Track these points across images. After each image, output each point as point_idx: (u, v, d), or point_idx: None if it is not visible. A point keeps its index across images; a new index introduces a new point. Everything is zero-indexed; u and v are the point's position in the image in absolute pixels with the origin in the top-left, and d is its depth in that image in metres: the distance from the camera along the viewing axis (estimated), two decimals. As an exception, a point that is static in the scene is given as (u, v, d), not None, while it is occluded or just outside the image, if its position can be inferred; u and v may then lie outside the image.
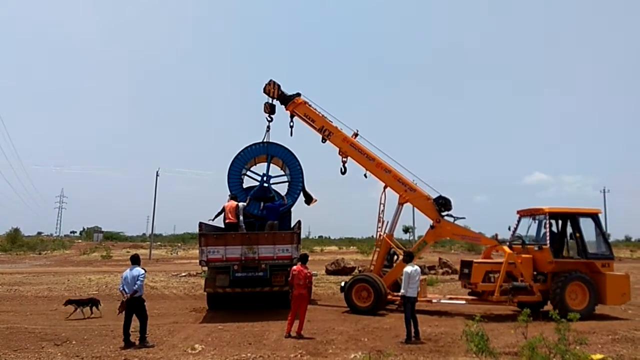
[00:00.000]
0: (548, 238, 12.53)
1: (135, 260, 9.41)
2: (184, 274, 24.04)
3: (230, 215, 13.53)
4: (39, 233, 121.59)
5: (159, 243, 74.45)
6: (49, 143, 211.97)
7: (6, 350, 8.53)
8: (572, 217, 12.93)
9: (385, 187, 14.38)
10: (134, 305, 9.11)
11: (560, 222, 13.34)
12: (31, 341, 9.36)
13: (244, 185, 15.42)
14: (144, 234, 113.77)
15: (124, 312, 9.13)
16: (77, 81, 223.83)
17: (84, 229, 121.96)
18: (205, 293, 13.47)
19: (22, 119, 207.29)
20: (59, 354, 8.38)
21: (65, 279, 21.88)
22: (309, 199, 15.55)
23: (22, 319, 12.07)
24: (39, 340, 9.48)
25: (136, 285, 9.06)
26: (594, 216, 12.99)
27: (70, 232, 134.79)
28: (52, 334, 10.08)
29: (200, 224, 13.08)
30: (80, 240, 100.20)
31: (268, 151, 15.23)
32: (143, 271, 9.31)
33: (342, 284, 13.62)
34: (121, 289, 9.25)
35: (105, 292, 17.38)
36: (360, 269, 23.87)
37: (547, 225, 12.69)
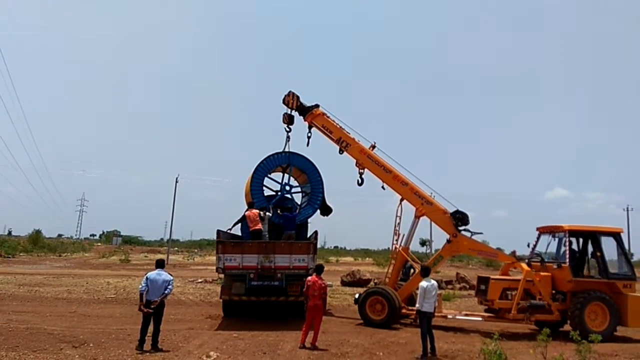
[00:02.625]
0: (568, 256, 12.33)
1: (161, 264, 9.63)
2: (200, 280, 24.21)
3: (255, 222, 13.64)
4: (60, 235, 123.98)
5: (176, 248, 75.01)
6: (72, 148, 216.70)
7: (26, 351, 8.71)
8: (593, 236, 12.69)
9: (401, 200, 14.32)
10: (157, 309, 9.20)
11: (580, 240, 13.11)
12: (50, 342, 9.53)
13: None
14: (161, 239, 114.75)
15: (142, 315, 9.16)
16: (99, 88, 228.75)
17: (103, 232, 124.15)
18: (221, 300, 13.56)
19: (46, 124, 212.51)
20: (77, 356, 8.52)
21: (84, 281, 22.21)
22: (327, 211, 15.58)
23: (41, 320, 12.29)
24: (57, 341, 9.64)
25: (167, 290, 9.22)
26: (616, 235, 12.73)
27: (90, 235, 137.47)
28: (71, 335, 10.23)
29: (218, 231, 13.24)
30: (99, 244, 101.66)
31: (290, 161, 15.33)
32: (171, 277, 9.45)
33: (356, 296, 13.57)
34: (143, 289, 9.11)
35: (122, 296, 17.60)
36: (375, 281, 23.74)
37: (567, 243, 12.49)
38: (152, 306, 9.08)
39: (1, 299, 16.21)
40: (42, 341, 9.62)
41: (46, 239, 71.32)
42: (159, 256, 52.82)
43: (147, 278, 9.25)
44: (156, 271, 9.38)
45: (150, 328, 9.20)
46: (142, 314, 9.14)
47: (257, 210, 13.92)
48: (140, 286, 9.28)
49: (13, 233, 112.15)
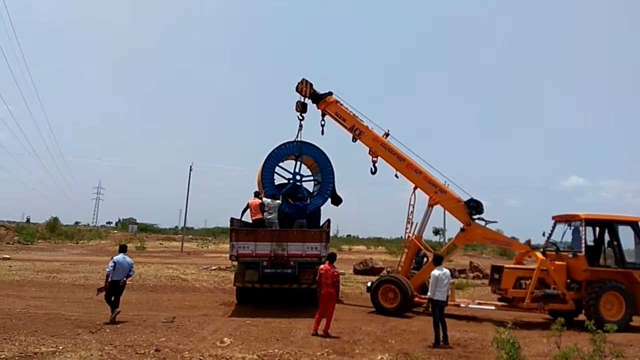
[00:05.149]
0: (583, 245, 12.18)
1: (125, 249, 11.07)
2: (214, 268, 24.45)
3: (255, 212, 13.68)
4: (77, 223, 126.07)
5: (190, 236, 75.59)
6: (89, 136, 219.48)
7: (44, 336, 8.89)
8: (609, 225, 12.51)
9: (415, 188, 14.24)
10: (121, 287, 10.68)
11: (597, 229, 12.94)
12: (68, 327, 9.72)
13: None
14: (176, 227, 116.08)
15: (103, 292, 10.58)
16: (115, 76, 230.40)
17: (119, 220, 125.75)
18: (235, 287, 13.69)
19: (63, 112, 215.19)
20: (94, 341, 8.67)
21: (100, 268, 22.49)
22: (337, 200, 15.56)
23: (59, 306, 12.54)
24: (75, 327, 9.84)
25: (131, 272, 10.86)
26: (634, 224, 12.51)
27: (107, 223, 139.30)
28: (88, 321, 10.43)
29: (232, 219, 13.33)
30: (115, 231, 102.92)
31: (301, 150, 15.30)
32: (132, 260, 11.01)
33: (369, 284, 13.58)
34: (109, 271, 10.46)
35: (138, 282, 17.84)
36: (388, 269, 23.75)
37: (583, 232, 12.33)
38: (120, 284, 10.60)
39: (20, 285, 16.57)
40: (60, 326, 9.82)
41: (63, 227, 72.56)
42: (173, 244, 53.61)
43: (114, 261, 10.54)
44: (121, 255, 10.75)
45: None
46: (104, 290, 10.52)
47: (260, 200, 13.93)
48: (107, 268, 10.65)
49: (31, 220, 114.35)
